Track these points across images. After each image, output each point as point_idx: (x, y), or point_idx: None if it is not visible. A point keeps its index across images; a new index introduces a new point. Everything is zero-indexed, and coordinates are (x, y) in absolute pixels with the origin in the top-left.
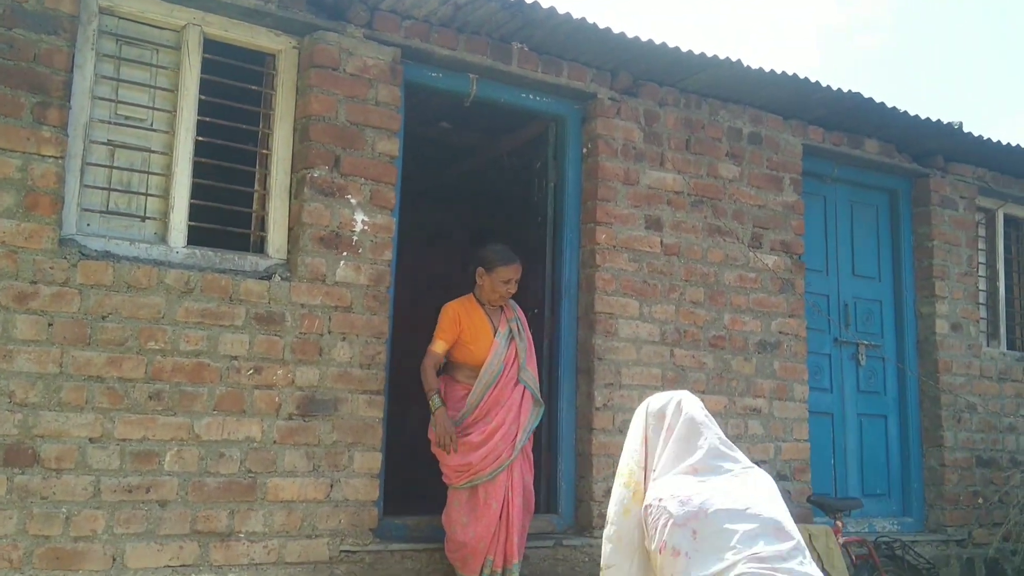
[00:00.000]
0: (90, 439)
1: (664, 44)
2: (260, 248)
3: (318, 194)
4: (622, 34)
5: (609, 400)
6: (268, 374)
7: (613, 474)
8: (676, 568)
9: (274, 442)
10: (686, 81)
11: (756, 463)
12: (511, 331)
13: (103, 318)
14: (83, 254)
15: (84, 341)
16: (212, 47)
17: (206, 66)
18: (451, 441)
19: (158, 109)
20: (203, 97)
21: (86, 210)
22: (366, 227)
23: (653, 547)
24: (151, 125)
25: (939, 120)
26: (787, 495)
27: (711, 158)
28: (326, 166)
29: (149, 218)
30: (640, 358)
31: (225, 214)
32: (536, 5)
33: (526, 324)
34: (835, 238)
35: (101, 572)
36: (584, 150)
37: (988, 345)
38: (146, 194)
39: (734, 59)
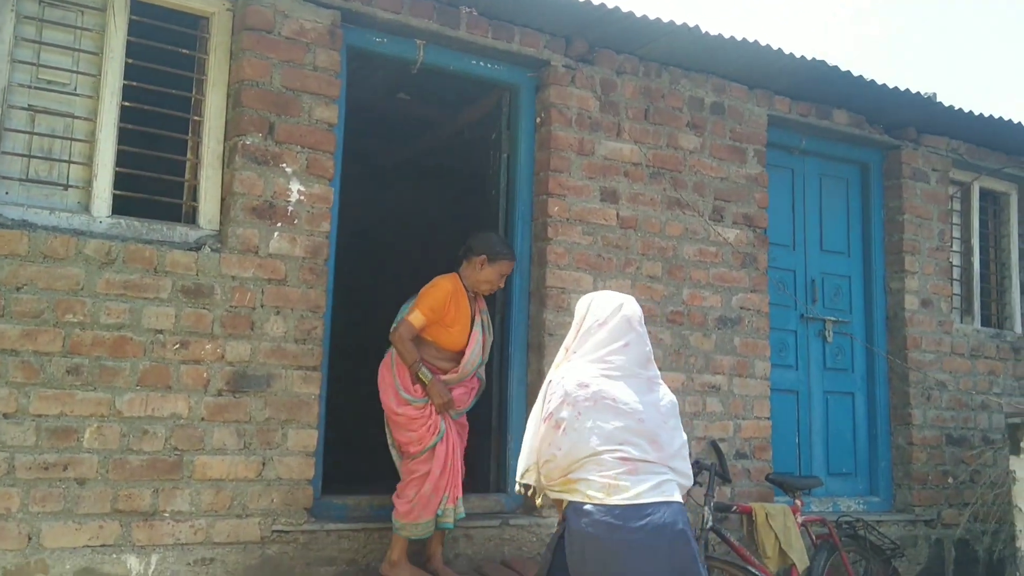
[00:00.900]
0: (4, 414)
1: (618, 9)
2: (192, 219)
3: (251, 162)
4: None
5: None
6: (196, 349)
7: None
8: (553, 439)
9: (202, 419)
10: (645, 48)
11: (716, 441)
12: (483, 323)
13: (17, 289)
14: None
15: None
16: (140, 8)
17: (134, 29)
18: (452, 405)
19: (82, 73)
20: (130, 61)
21: (4, 178)
22: (302, 197)
23: (543, 415)
24: (75, 90)
25: (911, 90)
26: (747, 474)
27: (671, 128)
28: (259, 133)
29: (72, 186)
30: None
31: (157, 184)
32: None
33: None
34: (803, 212)
35: (16, 551)
36: (537, 120)
37: (961, 321)
38: (69, 161)
39: (692, 25)
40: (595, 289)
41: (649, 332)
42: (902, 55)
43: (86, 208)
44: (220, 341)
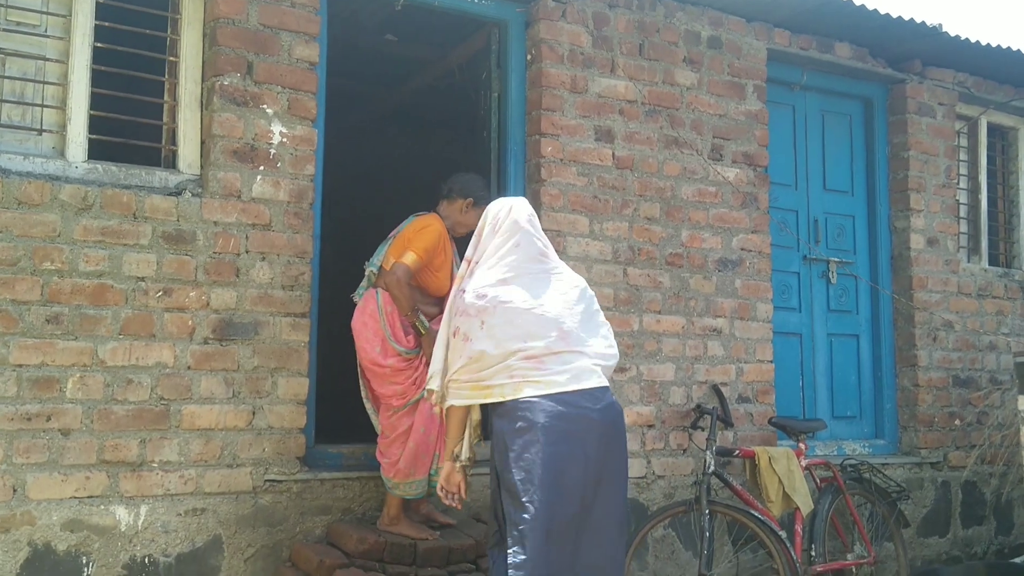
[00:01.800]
0: None
1: None
2: (172, 163)
3: (230, 103)
4: None
5: None
6: (179, 296)
7: None
8: (463, 351)
9: (188, 368)
10: None
11: (718, 385)
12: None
13: None
14: None
15: None
16: None
17: None
18: None
19: (52, 14)
20: (101, 0)
21: None
22: (285, 139)
23: (450, 330)
24: (45, 31)
25: (916, 20)
26: (749, 418)
27: (667, 64)
28: (237, 73)
29: (46, 131)
30: (591, 278)
31: (134, 128)
32: None
33: None
34: (804, 150)
35: (2, 503)
36: (528, 57)
37: (968, 261)
38: (42, 105)
39: None
40: (591, 232)
41: (647, 275)
42: None
43: (61, 153)
44: (204, 288)
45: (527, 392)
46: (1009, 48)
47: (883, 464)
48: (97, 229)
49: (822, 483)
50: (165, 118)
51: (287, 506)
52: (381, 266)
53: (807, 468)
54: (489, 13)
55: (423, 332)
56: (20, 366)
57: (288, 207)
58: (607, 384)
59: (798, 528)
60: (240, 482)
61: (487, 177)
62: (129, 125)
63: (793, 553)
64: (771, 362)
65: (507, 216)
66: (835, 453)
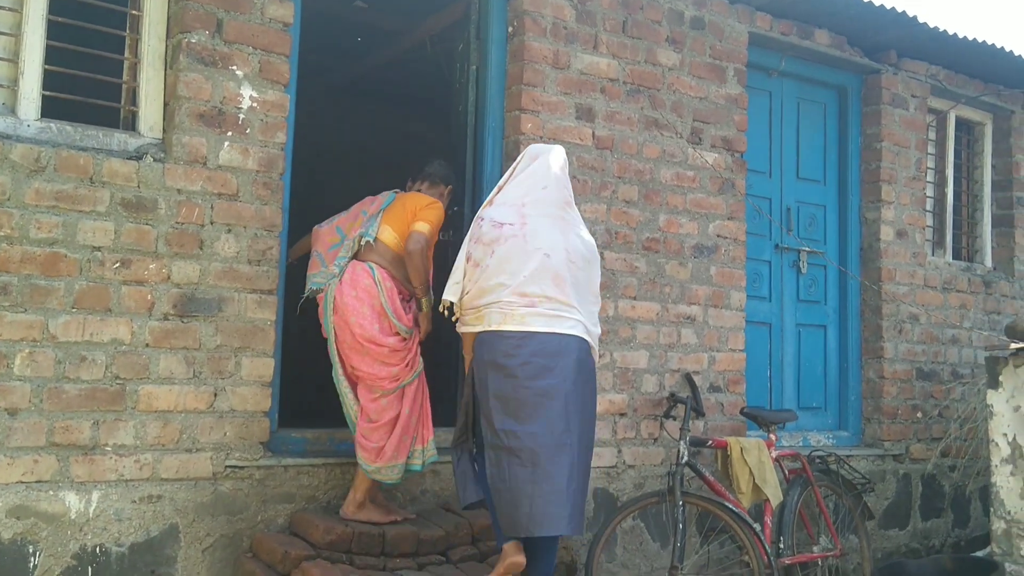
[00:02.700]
0: None
1: None
2: (132, 125)
3: (196, 63)
4: None
5: None
6: (138, 268)
7: None
8: (472, 276)
9: (146, 345)
10: None
11: (690, 374)
12: None
13: None
14: None
15: None
16: None
17: None
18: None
19: None
20: None
21: None
22: (255, 104)
23: (465, 254)
24: None
25: (894, 8)
26: (720, 407)
27: (650, 43)
28: (206, 31)
29: None
30: None
31: (92, 85)
32: None
33: None
34: (780, 137)
35: None
36: (509, 29)
37: (933, 254)
38: None
39: None
40: None
41: (623, 260)
42: None
43: (12, 110)
44: (165, 260)
45: (510, 326)
46: (983, 42)
47: (847, 455)
48: (50, 193)
49: (791, 474)
50: (125, 76)
51: (248, 494)
52: (377, 237)
53: (777, 459)
54: None
55: (425, 309)
56: None
57: (257, 176)
58: (588, 339)
59: (767, 520)
60: (199, 468)
61: (463, 153)
62: (87, 83)
63: (767, 546)
64: (743, 351)
65: (544, 159)
66: (800, 444)
